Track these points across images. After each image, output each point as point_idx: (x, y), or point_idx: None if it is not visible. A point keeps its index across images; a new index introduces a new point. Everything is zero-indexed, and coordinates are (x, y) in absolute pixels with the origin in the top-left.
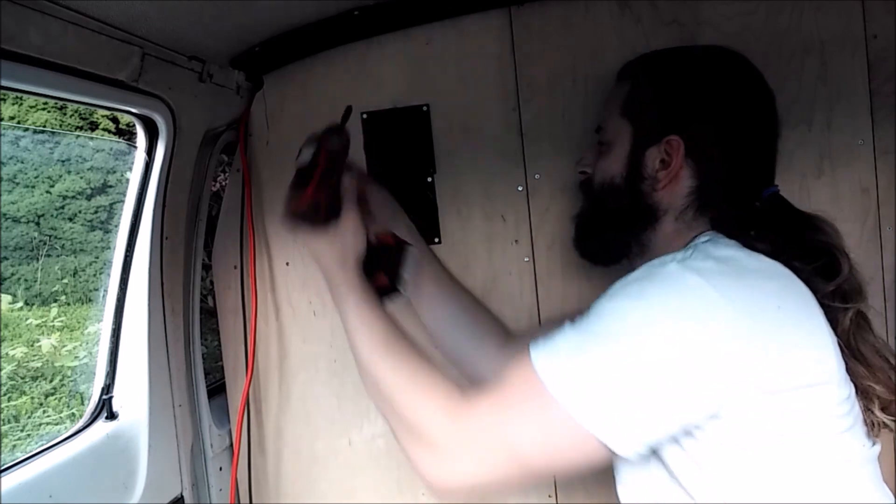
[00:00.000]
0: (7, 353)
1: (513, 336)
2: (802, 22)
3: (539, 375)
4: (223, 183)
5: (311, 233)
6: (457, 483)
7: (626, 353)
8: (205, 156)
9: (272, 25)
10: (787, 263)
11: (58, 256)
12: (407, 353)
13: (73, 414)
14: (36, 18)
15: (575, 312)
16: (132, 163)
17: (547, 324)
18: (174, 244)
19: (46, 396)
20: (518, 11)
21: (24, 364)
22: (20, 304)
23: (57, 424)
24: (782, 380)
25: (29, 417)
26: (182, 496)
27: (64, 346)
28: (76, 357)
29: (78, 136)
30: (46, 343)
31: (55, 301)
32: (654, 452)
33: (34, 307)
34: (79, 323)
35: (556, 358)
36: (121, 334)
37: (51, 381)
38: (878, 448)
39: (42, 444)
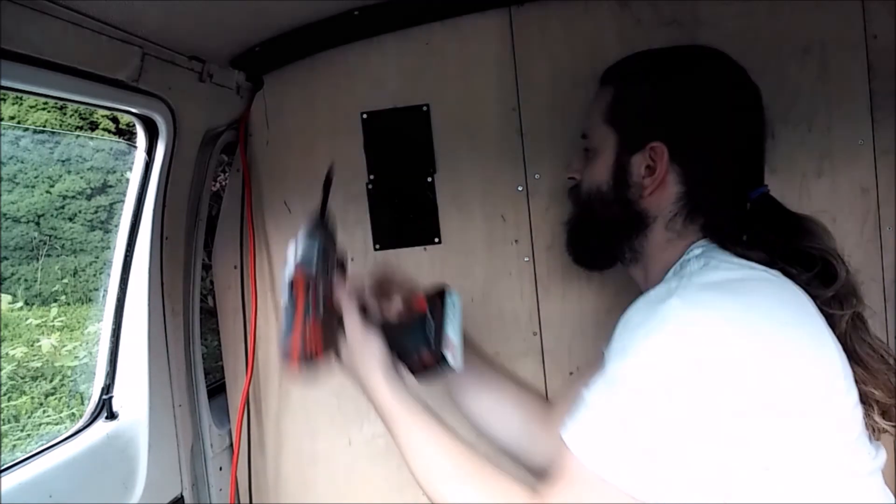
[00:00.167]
0: (7, 353)
1: (550, 404)
2: (802, 22)
3: (587, 466)
4: (223, 183)
5: (326, 365)
6: None
7: (659, 418)
8: (205, 156)
9: (272, 25)
10: (784, 270)
11: (58, 256)
12: (466, 454)
13: (73, 414)
14: (36, 18)
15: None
16: (132, 163)
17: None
18: (174, 244)
19: (46, 396)
20: (518, 11)
21: (24, 364)
22: (20, 304)
23: (57, 424)
24: (800, 399)
25: (29, 417)
26: (182, 496)
27: (64, 346)
28: (76, 357)
29: (78, 136)
30: (46, 343)
31: (55, 301)
32: None
33: (34, 307)
34: (79, 323)
35: (595, 443)
36: (121, 334)
37: (51, 381)
38: (883, 456)
39: (42, 444)
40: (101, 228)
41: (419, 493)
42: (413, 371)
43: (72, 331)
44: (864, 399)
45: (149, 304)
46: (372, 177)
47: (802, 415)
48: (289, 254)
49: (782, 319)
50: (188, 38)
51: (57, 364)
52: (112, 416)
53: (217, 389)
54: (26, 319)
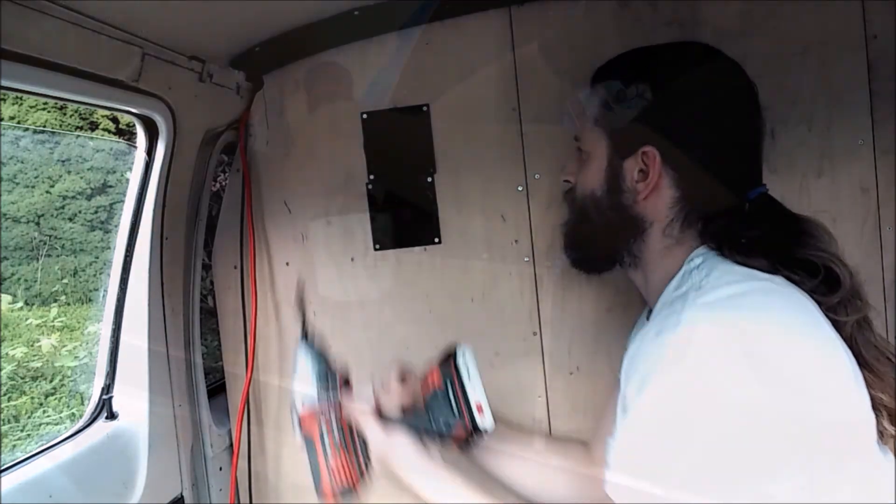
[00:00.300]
0: (7, 353)
1: (586, 450)
2: (802, 22)
3: None
4: (223, 183)
5: (362, 486)
6: None
7: (697, 450)
8: (205, 156)
9: (272, 25)
10: (788, 277)
11: (58, 256)
12: None
13: (73, 414)
14: (36, 18)
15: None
16: (132, 163)
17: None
18: (174, 244)
19: (46, 396)
20: (518, 11)
21: (24, 364)
22: (20, 304)
23: (57, 424)
24: (823, 411)
25: (29, 417)
26: (182, 496)
27: (64, 346)
28: (76, 357)
29: (78, 136)
30: (46, 343)
31: (55, 301)
32: None
33: (34, 307)
34: (79, 323)
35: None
36: (121, 334)
37: (51, 381)
38: (892, 461)
39: (42, 444)
40: (101, 228)
41: None
42: (450, 446)
43: (72, 331)
44: (873, 404)
45: (149, 304)
46: (372, 177)
47: (826, 425)
48: (294, 386)
49: (792, 333)
50: (188, 38)
51: (57, 364)
52: (112, 416)
53: (217, 389)
54: (26, 319)
